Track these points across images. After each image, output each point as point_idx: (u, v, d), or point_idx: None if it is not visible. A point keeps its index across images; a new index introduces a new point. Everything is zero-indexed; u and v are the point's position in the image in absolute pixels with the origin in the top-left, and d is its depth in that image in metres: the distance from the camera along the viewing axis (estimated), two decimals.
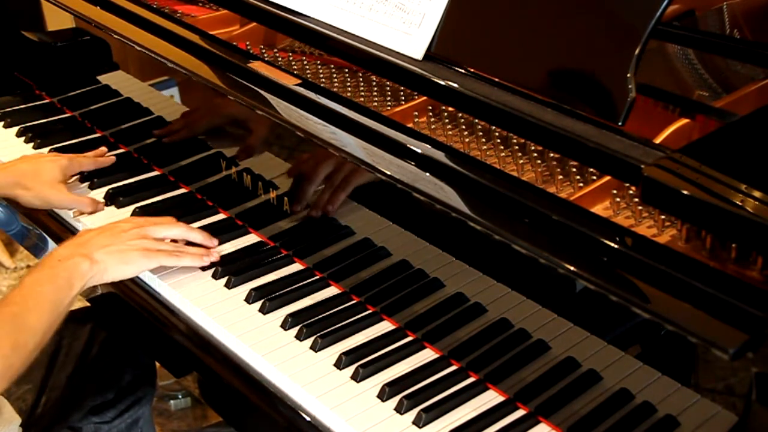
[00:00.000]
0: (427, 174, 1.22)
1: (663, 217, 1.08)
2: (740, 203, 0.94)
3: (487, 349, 1.21)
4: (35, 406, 1.51)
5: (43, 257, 1.33)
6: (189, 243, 1.43)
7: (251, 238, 1.49)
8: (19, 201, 1.56)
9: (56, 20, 1.87)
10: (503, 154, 1.27)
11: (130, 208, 1.56)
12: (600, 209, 1.13)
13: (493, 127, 1.29)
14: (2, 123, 1.85)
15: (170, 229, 1.41)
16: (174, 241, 1.42)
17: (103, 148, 1.69)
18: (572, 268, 1.05)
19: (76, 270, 1.27)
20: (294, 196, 1.42)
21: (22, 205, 1.57)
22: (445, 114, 1.35)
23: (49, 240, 1.66)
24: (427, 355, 1.25)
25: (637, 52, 1.12)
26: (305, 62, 1.52)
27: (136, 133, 1.75)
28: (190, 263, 1.38)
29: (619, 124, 1.12)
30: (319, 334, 1.27)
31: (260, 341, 1.27)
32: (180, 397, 2.41)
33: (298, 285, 1.37)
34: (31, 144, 1.77)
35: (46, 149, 1.74)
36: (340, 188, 1.34)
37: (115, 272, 1.32)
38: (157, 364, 1.74)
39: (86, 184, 1.64)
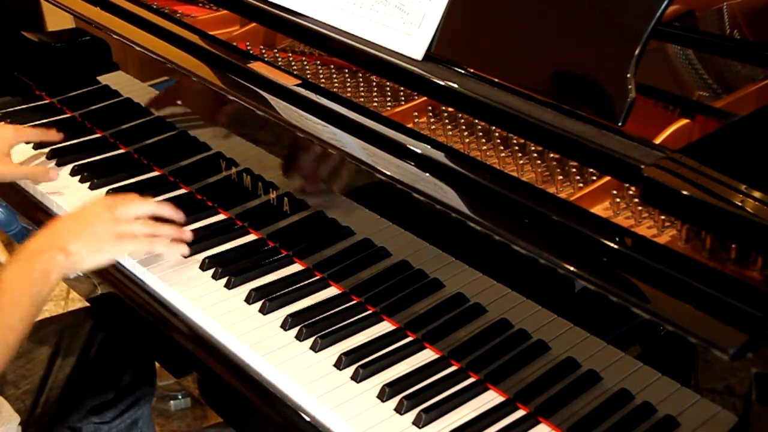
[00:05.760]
0: (427, 174, 1.22)
1: (663, 217, 1.08)
2: (740, 203, 0.94)
3: (487, 350, 1.21)
4: (35, 406, 1.51)
5: (18, 250, 1.31)
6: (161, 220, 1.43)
7: (251, 238, 1.49)
8: None
9: (56, 20, 1.87)
10: (503, 154, 1.27)
11: None
12: (600, 209, 1.13)
13: (493, 128, 1.29)
14: (2, 123, 1.85)
15: (141, 206, 1.40)
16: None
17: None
18: (572, 269, 1.05)
19: (52, 263, 1.27)
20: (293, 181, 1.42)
21: None
22: (445, 114, 1.35)
23: None
24: (427, 355, 1.25)
25: (637, 52, 1.12)
26: (305, 62, 1.52)
27: (136, 134, 1.75)
28: (163, 251, 1.39)
29: (619, 124, 1.12)
30: (319, 335, 1.27)
31: (260, 341, 1.27)
32: (180, 397, 2.41)
33: (298, 285, 1.37)
34: (31, 144, 1.77)
35: (45, 150, 1.74)
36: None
37: (89, 262, 1.33)
38: (157, 364, 1.74)
39: (86, 184, 1.64)
